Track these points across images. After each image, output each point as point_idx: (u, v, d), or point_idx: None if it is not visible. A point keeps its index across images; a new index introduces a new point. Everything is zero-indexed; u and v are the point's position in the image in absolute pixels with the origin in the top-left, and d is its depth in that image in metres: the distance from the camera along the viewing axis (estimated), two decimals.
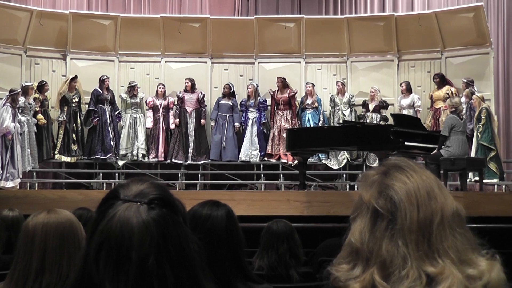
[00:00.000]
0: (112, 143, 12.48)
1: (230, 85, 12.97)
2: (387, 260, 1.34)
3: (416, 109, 12.44)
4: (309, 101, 12.77)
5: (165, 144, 12.76)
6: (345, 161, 12.57)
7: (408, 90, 12.62)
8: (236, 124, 12.81)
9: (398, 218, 1.36)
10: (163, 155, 12.70)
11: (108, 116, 12.55)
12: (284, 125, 12.60)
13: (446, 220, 1.36)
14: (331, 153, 12.50)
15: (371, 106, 12.62)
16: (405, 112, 12.29)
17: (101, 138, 12.47)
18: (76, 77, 12.53)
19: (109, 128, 12.52)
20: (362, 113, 12.72)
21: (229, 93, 12.89)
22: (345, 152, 12.41)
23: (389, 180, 1.40)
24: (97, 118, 12.46)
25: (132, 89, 12.79)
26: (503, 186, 11.71)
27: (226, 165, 12.94)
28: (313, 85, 12.90)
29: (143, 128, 12.78)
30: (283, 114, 12.78)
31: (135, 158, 12.69)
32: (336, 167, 12.63)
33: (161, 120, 12.76)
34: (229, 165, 12.90)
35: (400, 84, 12.78)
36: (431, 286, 1.31)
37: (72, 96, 12.45)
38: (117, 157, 12.59)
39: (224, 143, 12.75)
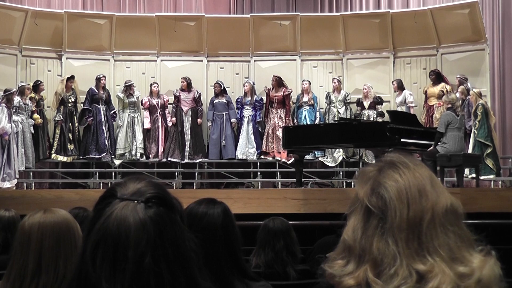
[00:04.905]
0: (106, 142, 12.46)
1: (220, 82, 12.96)
2: (378, 258, 1.34)
3: (408, 105, 12.44)
4: (305, 99, 12.78)
5: (164, 143, 12.76)
6: (340, 158, 12.59)
7: (400, 88, 12.64)
8: (233, 120, 12.81)
9: (388, 216, 1.36)
10: (163, 154, 12.71)
11: (103, 116, 12.54)
12: (278, 123, 12.62)
13: (437, 218, 1.36)
14: (327, 151, 12.51)
15: (366, 104, 12.64)
16: (398, 109, 12.30)
17: (95, 137, 12.45)
18: (73, 77, 12.52)
19: (104, 128, 12.50)
20: (358, 112, 12.73)
21: (220, 91, 12.88)
22: (341, 150, 12.43)
23: (381, 178, 1.40)
24: (92, 118, 12.45)
25: (128, 88, 12.78)
26: (500, 182, 11.74)
27: (222, 164, 12.94)
28: (309, 82, 12.92)
29: (141, 127, 12.77)
30: (277, 112, 12.80)
31: (134, 157, 12.68)
32: (332, 164, 12.64)
33: (160, 119, 12.75)
34: (225, 163, 12.90)
35: (392, 82, 12.80)
36: (421, 283, 1.31)
37: (68, 96, 12.44)
38: (113, 156, 12.58)
39: (223, 141, 12.74)
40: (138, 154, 12.70)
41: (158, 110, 12.76)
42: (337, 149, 12.42)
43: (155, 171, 12.77)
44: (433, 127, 10.73)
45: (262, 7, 14.48)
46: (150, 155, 12.75)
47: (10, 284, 2.19)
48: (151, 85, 12.91)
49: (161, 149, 12.72)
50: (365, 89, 12.67)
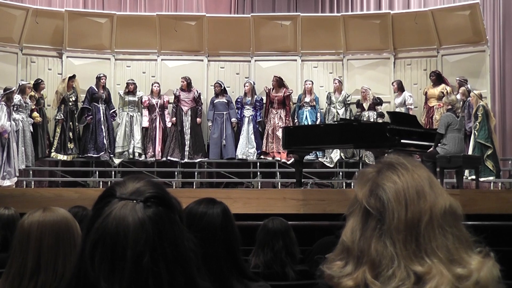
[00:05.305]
0: (105, 141, 12.46)
1: (220, 82, 12.96)
2: (376, 260, 1.34)
3: (407, 107, 12.44)
4: (307, 99, 12.79)
5: (162, 143, 12.76)
6: (337, 158, 12.59)
7: (400, 89, 12.64)
8: (233, 119, 12.81)
9: (386, 218, 1.36)
10: (160, 154, 12.71)
11: (102, 115, 12.54)
12: (278, 123, 12.63)
13: (435, 219, 1.36)
14: (326, 151, 12.52)
15: (365, 105, 12.64)
16: (397, 110, 12.29)
17: (94, 136, 12.46)
18: (74, 76, 12.53)
19: (103, 127, 12.51)
20: (358, 113, 12.73)
21: (220, 90, 12.89)
22: (338, 150, 12.42)
23: (380, 179, 1.40)
24: (91, 116, 12.46)
25: (126, 86, 12.80)
26: (499, 184, 11.73)
27: (222, 163, 12.94)
28: (312, 83, 12.93)
29: (139, 126, 12.78)
30: (277, 113, 12.81)
31: (131, 156, 12.69)
32: (330, 165, 12.63)
33: (158, 119, 12.76)
34: (225, 163, 12.90)
35: (392, 83, 12.80)
36: (419, 285, 1.31)
37: (69, 95, 12.45)
38: (112, 155, 12.58)
39: (224, 141, 12.74)
40: (137, 154, 12.71)
41: (157, 110, 12.76)
42: (334, 150, 12.41)
43: (155, 170, 12.76)
44: (433, 128, 10.73)
45: (263, 7, 14.47)
46: (147, 155, 12.74)
47: (9, 282, 2.19)
48: (152, 84, 12.93)
49: (157, 149, 12.72)
50: (363, 91, 12.67)
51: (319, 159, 12.70)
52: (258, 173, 12.73)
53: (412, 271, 1.32)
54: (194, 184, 12.58)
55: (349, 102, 12.88)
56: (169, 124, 12.82)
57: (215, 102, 12.90)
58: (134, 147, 12.68)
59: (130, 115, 12.79)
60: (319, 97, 13.01)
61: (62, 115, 12.37)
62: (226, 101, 12.86)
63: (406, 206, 1.36)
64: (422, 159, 9.57)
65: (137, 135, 12.72)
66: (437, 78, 12.42)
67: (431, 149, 9.54)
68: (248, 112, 12.87)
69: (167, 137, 12.83)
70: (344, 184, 12.36)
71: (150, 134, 12.77)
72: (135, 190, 1.36)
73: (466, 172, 11.04)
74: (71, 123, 12.46)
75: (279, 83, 12.83)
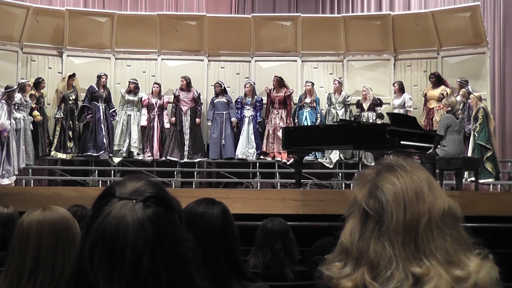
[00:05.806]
0: (104, 140, 12.46)
1: (220, 83, 12.96)
2: (375, 261, 1.34)
3: (406, 109, 12.45)
4: (307, 100, 12.78)
5: (159, 143, 12.76)
6: (336, 158, 12.59)
7: (401, 90, 12.65)
8: (233, 119, 12.81)
9: (385, 219, 1.36)
10: (158, 153, 12.71)
11: (102, 114, 12.54)
12: (279, 123, 12.62)
13: (434, 221, 1.36)
14: (325, 152, 12.52)
15: (365, 105, 12.65)
16: (395, 111, 12.29)
17: (93, 135, 12.47)
18: (74, 74, 12.53)
19: (102, 126, 12.51)
20: (357, 113, 12.73)
21: (220, 90, 12.89)
22: (337, 151, 12.42)
23: (379, 181, 1.41)
24: (91, 115, 12.46)
25: (128, 85, 12.81)
26: (499, 186, 11.73)
27: (222, 163, 12.94)
28: (313, 84, 12.92)
29: (137, 126, 12.77)
30: (278, 113, 12.81)
31: (125, 155, 12.67)
32: (330, 166, 12.63)
33: (156, 119, 12.75)
34: (225, 163, 12.90)
35: (393, 84, 12.81)
36: (417, 286, 1.31)
37: (69, 93, 12.45)
38: (110, 154, 12.58)
39: (223, 140, 12.75)
40: (135, 153, 12.70)
41: (156, 109, 12.76)
42: (334, 151, 12.41)
43: (154, 169, 12.75)
44: (433, 130, 10.71)
45: (264, 7, 14.48)
46: (145, 154, 12.74)
47: (7, 281, 2.19)
48: (152, 85, 12.93)
49: (156, 148, 12.72)
50: (364, 91, 12.67)
51: (319, 159, 12.70)
52: (258, 174, 12.72)
53: (411, 273, 1.32)
54: (194, 184, 12.57)
55: (348, 103, 12.88)
56: (167, 125, 12.81)
57: (215, 102, 12.90)
58: (130, 145, 12.67)
59: (128, 114, 12.79)
60: (319, 97, 13.00)
61: (62, 114, 12.37)
62: (226, 101, 12.86)
63: (404, 207, 1.36)
64: (421, 161, 9.56)
65: (135, 134, 12.72)
66: (437, 80, 12.42)
67: (431, 150, 9.53)
68: (248, 112, 12.87)
69: (165, 137, 12.84)
70: (343, 185, 12.36)
71: (148, 134, 12.78)
72: (134, 190, 1.36)
73: (466, 174, 11.04)
74: (71, 121, 12.46)
75: (279, 83, 12.83)
